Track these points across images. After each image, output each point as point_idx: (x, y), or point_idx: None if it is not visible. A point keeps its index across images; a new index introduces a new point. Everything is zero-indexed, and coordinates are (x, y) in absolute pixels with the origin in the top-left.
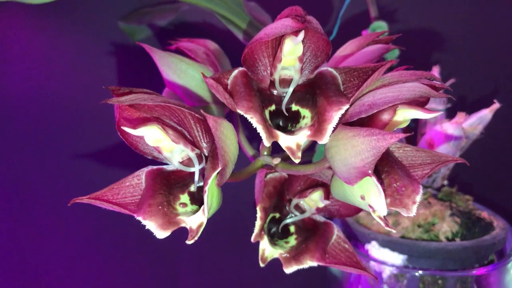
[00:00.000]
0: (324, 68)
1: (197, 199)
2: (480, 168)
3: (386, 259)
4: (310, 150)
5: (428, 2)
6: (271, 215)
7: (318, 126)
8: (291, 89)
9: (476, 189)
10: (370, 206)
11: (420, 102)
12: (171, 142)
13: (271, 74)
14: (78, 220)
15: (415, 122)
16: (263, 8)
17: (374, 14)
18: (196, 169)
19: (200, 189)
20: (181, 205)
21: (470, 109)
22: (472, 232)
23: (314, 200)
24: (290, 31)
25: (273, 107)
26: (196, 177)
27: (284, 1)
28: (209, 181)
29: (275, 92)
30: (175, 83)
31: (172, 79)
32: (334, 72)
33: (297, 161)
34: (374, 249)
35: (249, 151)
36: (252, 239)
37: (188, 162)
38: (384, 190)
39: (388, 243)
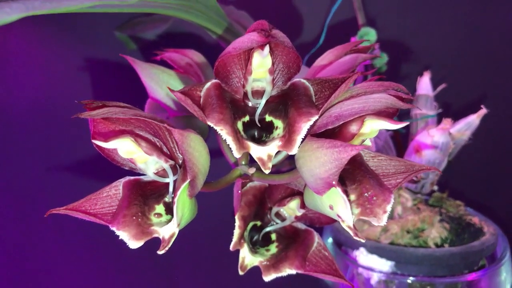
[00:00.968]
0: (297, 79)
1: (172, 209)
2: (472, 173)
3: (374, 266)
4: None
5: (416, 8)
6: (252, 223)
7: (288, 137)
8: (263, 101)
9: (469, 194)
10: (339, 216)
11: (389, 113)
12: (144, 154)
13: (243, 86)
14: (73, 226)
15: (406, 128)
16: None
17: (361, 21)
18: (170, 180)
19: None
20: (155, 216)
21: (459, 115)
22: (461, 238)
23: (291, 209)
24: (255, 45)
25: (247, 118)
26: (171, 188)
27: (276, 10)
28: (178, 193)
29: (249, 103)
30: (157, 94)
31: (155, 89)
32: (306, 83)
33: (267, 171)
34: (362, 255)
35: (231, 158)
36: (231, 247)
37: (164, 172)
38: (356, 200)
39: (376, 249)
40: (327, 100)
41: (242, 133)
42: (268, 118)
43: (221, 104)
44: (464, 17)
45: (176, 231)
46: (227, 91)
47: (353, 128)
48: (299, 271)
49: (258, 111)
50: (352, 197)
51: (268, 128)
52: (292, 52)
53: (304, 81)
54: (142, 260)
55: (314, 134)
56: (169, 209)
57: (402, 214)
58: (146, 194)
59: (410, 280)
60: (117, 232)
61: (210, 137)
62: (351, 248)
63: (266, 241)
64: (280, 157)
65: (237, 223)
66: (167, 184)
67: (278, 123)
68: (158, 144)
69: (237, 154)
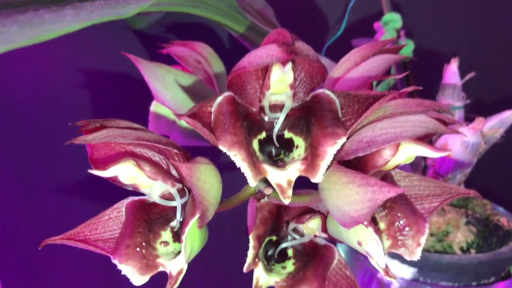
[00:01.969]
0: (321, 90)
1: (180, 236)
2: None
3: (396, 272)
4: None
5: None
6: (267, 239)
7: (311, 160)
8: (282, 116)
9: (496, 191)
10: (368, 253)
11: (426, 135)
12: (148, 179)
13: (260, 100)
14: None
15: None
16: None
17: (386, 6)
18: (178, 203)
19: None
20: (162, 244)
21: (489, 111)
22: (489, 243)
23: (311, 228)
24: (275, 61)
25: (263, 135)
26: (179, 213)
27: None
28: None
29: (265, 118)
30: (163, 95)
31: (160, 91)
32: (332, 95)
33: (286, 201)
34: None
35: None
36: (245, 269)
37: (170, 194)
38: (386, 229)
39: (398, 255)
40: (355, 115)
41: (258, 153)
42: (287, 134)
43: (234, 124)
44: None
45: (185, 267)
46: (241, 104)
47: (386, 153)
48: None
49: (277, 127)
50: (382, 225)
51: (288, 146)
52: (317, 66)
53: (329, 93)
54: None
55: (342, 160)
56: (176, 236)
57: None
58: (151, 219)
59: None
60: (120, 266)
61: None
62: None
63: (282, 257)
64: None
65: (252, 243)
66: (175, 207)
67: (299, 142)
68: (162, 163)
69: (252, 182)
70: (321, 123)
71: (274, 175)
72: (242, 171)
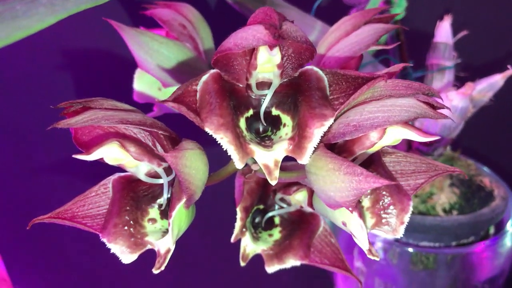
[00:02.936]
0: (309, 67)
1: (167, 213)
2: (484, 130)
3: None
4: None
5: None
6: (255, 208)
7: (298, 141)
8: (270, 94)
9: (481, 151)
10: (352, 233)
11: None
12: (133, 160)
13: (247, 79)
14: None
15: (420, 80)
16: None
17: None
18: (164, 181)
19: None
20: (149, 222)
21: (478, 73)
22: (471, 204)
23: (298, 200)
24: (262, 45)
25: (250, 112)
26: (165, 190)
27: None
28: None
29: (252, 95)
30: (147, 63)
31: (144, 59)
32: (320, 72)
33: (273, 182)
34: None
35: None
36: (232, 239)
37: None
38: (370, 207)
39: None
40: (343, 94)
41: (245, 132)
42: (274, 112)
43: (221, 104)
44: None
45: (172, 247)
46: (228, 80)
47: (373, 136)
48: (304, 262)
49: (264, 105)
50: (366, 202)
51: (275, 123)
52: (306, 47)
53: (318, 70)
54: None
55: (329, 143)
56: (164, 213)
57: None
58: (138, 196)
59: (411, 249)
60: (109, 245)
61: None
62: None
63: (269, 224)
64: None
65: (239, 215)
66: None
67: (286, 120)
68: (148, 140)
69: (239, 164)
70: (309, 103)
71: (261, 155)
72: (228, 154)
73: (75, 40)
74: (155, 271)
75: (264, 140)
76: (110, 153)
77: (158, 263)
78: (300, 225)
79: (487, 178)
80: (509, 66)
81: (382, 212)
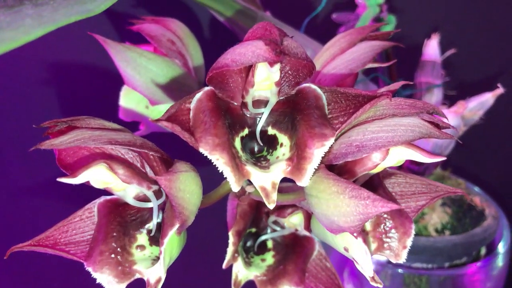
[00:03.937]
0: (306, 84)
1: (157, 239)
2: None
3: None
4: None
5: None
6: (247, 231)
7: (297, 162)
8: (266, 113)
9: (471, 170)
10: (354, 260)
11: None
12: (122, 183)
13: (243, 97)
14: None
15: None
16: None
17: None
18: (154, 205)
19: (160, 226)
20: (138, 249)
21: (467, 91)
22: (463, 223)
23: (293, 223)
24: (262, 61)
25: (245, 131)
26: (155, 214)
27: None
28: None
29: (247, 113)
30: (135, 80)
31: (131, 75)
32: (318, 90)
33: (271, 206)
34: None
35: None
36: (224, 265)
37: (146, 195)
38: (372, 231)
39: None
40: (343, 113)
41: (240, 152)
42: (271, 131)
43: (215, 123)
44: None
45: (164, 276)
46: (222, 98)
47: (376, 157)
48: None
49: (260, 124)
50: (367, 226)
51: (271, 143)
52: (306, 64)
53: (315, 87)
54: None
55: (330, 164)
56: (153, 239)
57: None
58: (126, 221)
59: (400, 270)
60: (94, 275)
61: None
62: None
63: (261, 248)
64: None
65: (231, 239)
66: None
67: (284, 139)
68: (136, 161)
69: (235, 187)
70: (308, 122)
71: (258, 177)
72: (224, 176)
73: (59, 54)
74: None
75: (260, 160)
76: (98, 175)
77: None
78: (294, 248)
79: (478, 197)
80: (499, 85)
81: (383, 236)
